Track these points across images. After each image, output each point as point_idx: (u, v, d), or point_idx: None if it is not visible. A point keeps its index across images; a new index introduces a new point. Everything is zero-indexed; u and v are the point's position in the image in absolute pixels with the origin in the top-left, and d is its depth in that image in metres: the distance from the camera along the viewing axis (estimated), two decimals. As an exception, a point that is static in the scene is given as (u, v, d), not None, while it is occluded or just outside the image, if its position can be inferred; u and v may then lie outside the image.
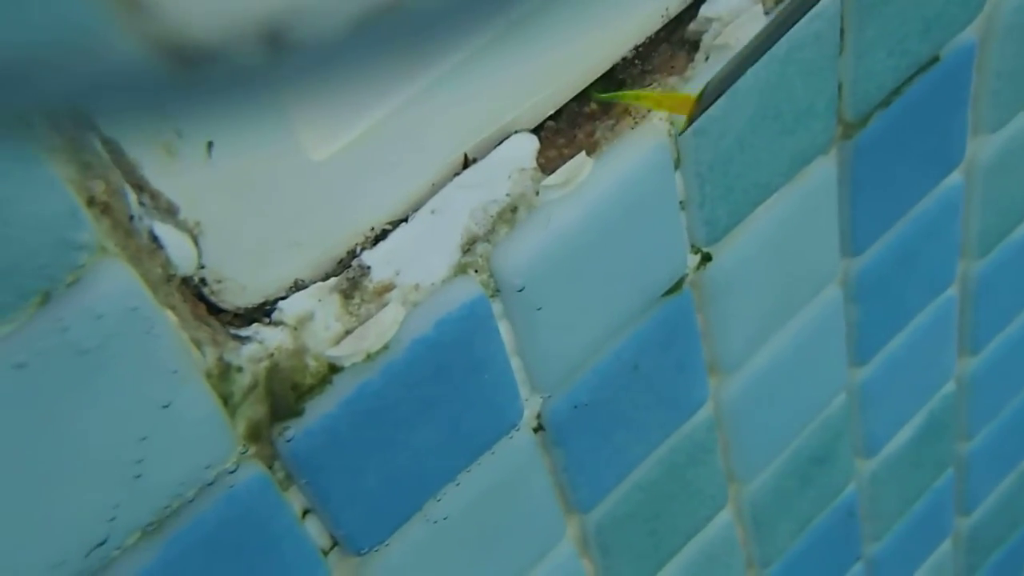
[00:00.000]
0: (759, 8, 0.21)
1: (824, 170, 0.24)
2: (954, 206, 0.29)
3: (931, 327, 0.32)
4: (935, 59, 0.25)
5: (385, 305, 0.18)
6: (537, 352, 0.20)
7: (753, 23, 0.21)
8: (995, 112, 0.28)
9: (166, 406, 0.14)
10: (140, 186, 0.14)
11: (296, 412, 0.17)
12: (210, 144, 0.15)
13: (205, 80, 0.13)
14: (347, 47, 0.15)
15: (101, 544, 0.14)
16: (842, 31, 0.22)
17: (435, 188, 0.18)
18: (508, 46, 0.18)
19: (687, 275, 0.23)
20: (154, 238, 0.14)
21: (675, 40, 0.21)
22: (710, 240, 0.23)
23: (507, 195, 0.19)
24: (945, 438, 0.36)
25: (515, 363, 0.20)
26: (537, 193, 0.19)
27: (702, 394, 0.25)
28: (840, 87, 0.23)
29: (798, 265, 0.26)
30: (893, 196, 0.27)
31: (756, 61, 0.18)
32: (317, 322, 0.17)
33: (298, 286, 0.17)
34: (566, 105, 0.20)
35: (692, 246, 0.23)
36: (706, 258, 0.23)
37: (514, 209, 0.19)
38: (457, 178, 0.18)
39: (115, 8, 0.13)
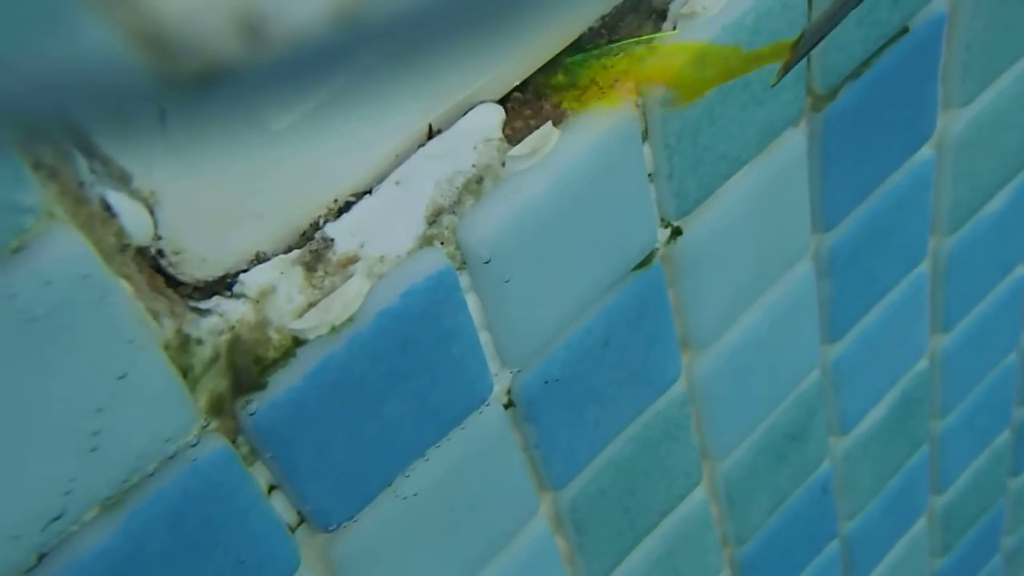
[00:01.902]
0: (726, -23, 0.20)
1: (794, 143, 0.24)
2: (925, 181, 0.29)
3: (903, 304, 0.32)
4: (904, 30, 0.25)
5: (349, 277, 0.18)
6: (506, 326, 0.20)
7: (720, -8, 0.21)
8: (965, 85, 0.28)
9: (122, 377, 0.14)
10: (90, 152, 0.13)
11: (259, 385, 0.16)
12: (163, 112, 0.14)
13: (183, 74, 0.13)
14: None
15: (57, 518, 0.14)
16: (810, 1, 0.22)
17: (399, 159, 0.18)
18: (472, 16, 0.18)
19: (657, 249, 0.23)
20: (107, 206, 0.14)
21: (642, 10, 0.21)
22: (680, 213, 0.23)
23: (473, 166, 0.19)
24: (919, 416, 0.37)
25: (484, 337, 0.20)
26: (503, 164, 0.19)
27: (675, 370, 0.25)
28: (809, 58, 0.23)
29: (769, 239, 0.26)
30: (864, 170, 0.27)
31: (859, 3, 0.17)
32: (280, 295, 0.17)
33: (260, 258, 0.17)
34: (534, 76, 0.20)
35: (662, 219, 0.23)
36: (676, 232, 0.23)
37: (480, 180, 0.19)
38: (422, 149, 0.18)
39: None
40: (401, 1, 0.17)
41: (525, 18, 0.19)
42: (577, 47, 0.20)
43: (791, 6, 0.21)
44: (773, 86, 0.21)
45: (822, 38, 0.18)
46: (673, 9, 0.20)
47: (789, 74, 0.23)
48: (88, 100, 0.14)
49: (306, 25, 0.16)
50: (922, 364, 0.35)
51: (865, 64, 0.24)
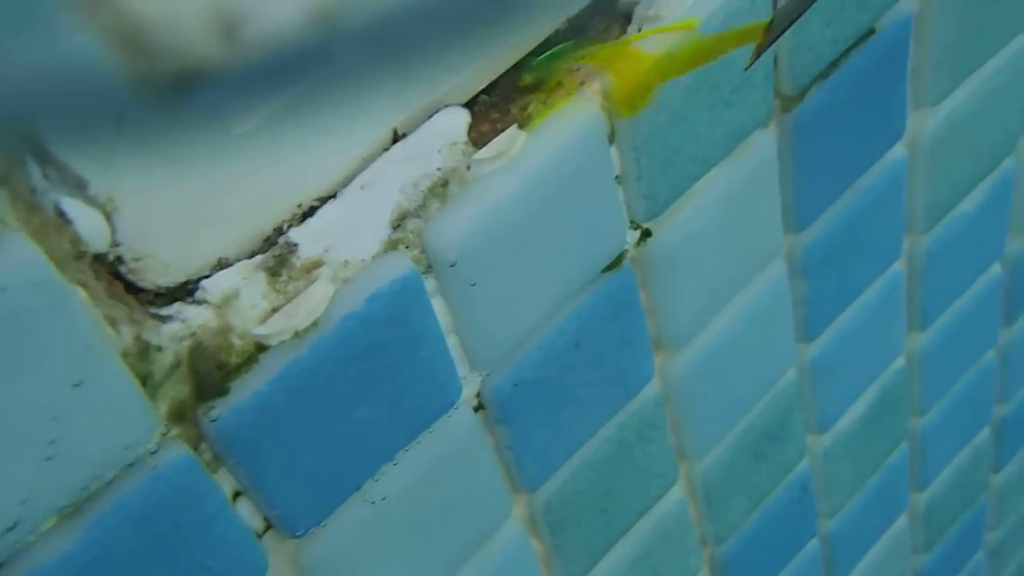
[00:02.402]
0: (691, -21, 0.21)
1: (764, 144, 0.24)
2: (898, 180, 0.29)
3: (879, 303, 0.32)
4: (872, 31, 0.25)
5: (314, 282, 0.18)
6: (474, 329, 0.20)
7: (685, -6, 0.21)
8: (935, 85, 0.28)
9: (78, 385, 0.14)
10: (44, 158, 0.13)
11: (221, 392, 0.16)
12: (119, 117, 0.14)
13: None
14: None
15: (12, 528, 0.14)
16: (775, 1, 0.22)
17: (364, 163, 0.18)
18: (437, 19, 0.18)
19: (627, 251, 0.23)
20: (61, 213, 0.14)
21: (609, 12, 0.21)
22: (649, 215, 0.23)
23: (438, 169, 0.19)
24: (898, 414, 0.37)
25: (452, 340, 0.20)
26: (469, 168, 0.19)
27: (648, 371, 0.25)
28: (776, 59, 0.23)
29: (742, 240, 0.26)
30: (836, 170, 0.27)
31: None
32: (243, 300, 0.17)
33: (223, 264, 0.17)
34: (500, 79, 0.20)
35: (631, 221, 0.23)
36: (646, 233, 0.23)
37: (445, 184, 0.19)
38: (387, 153, 0.18)
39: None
40: (371, 4, 0.17)
41: (491, 21, 0.19)
42: (543, 50, 0.20)
43: (757, 7, 0.21)
44: (746, 69, 0.21)
45: (795, 20, 0.18)
46: (639, 12, 0.20)
47: (757, 75, 0.23)
48: (63, 105, 0.14)
49: (282, 26, 0.16)
50: (900, 362, 0.35)
51: (833, 65, 0.24)
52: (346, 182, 0.18)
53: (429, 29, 0.18)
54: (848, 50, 0.25)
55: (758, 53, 0.18)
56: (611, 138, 0.21)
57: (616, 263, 0.23)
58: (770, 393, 0.30)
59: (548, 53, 0.19)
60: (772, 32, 0.18)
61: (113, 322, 0.14)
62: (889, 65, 0.26)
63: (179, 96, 0.15)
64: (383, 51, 0.18)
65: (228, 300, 0.17)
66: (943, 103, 0.29)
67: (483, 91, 0.20)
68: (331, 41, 0.17)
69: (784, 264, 0.28)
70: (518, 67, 0.20)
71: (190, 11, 0.14)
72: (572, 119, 0.20)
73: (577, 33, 0.20)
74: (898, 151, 0.29)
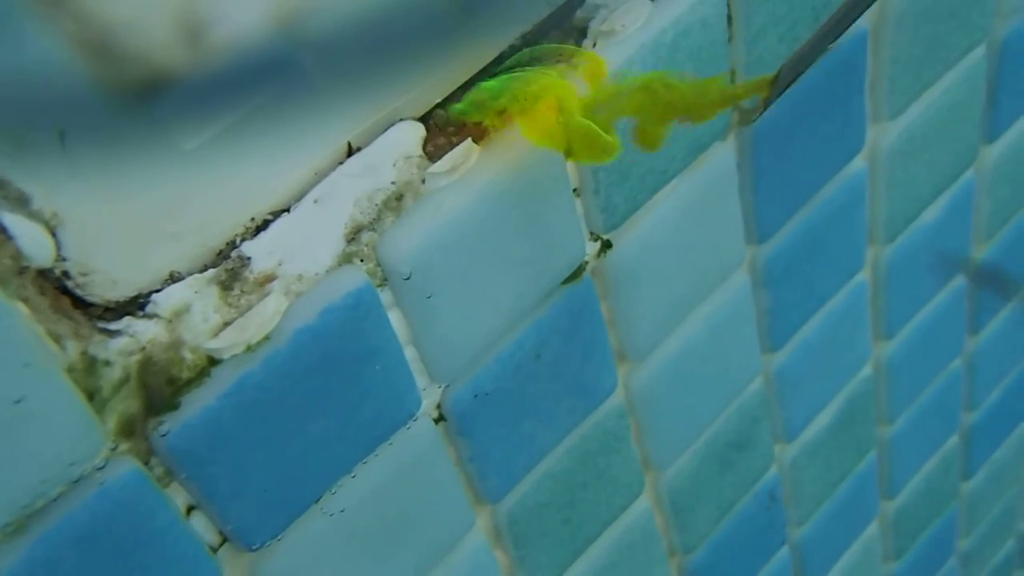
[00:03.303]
0: (645, -6, 0.21)
1: (723, 156, 0.25)
2: (859, 192, 0.30)
3: (844, 313, 0.32)
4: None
5: (266, 296, 0.18)
6: (432, 341, 0.20)
7: (640, 9, 0.21)
8: (893, 99, 0.28)
9: (19, 401, 0.14)
10: (-14, 175, 0.13)
11: (172, 406, 0.16)
12: (63, 133, 0.14)
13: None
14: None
15: (-46, 544, 0.14)
16: (729, 17, 0.22)
17: (318, 177, 0.18)
18: (391, 33, 0.18)
19: (587, 262, 0.23)
20: (2, 228, 0.14)
21: (564, 27, 0.21)
22: (608, 227, 0.23)
23: (392, 183, 0.19)
24: (865, 422, 0.37)
25: (410, 352, 0.20)
26: (424, 181, 0.19)
27: (611, 382, 0.25)
28: (733, 74, 0.23)
29: (703, 251, 0.26)
30: (796, 182, 0.28)
31: (838, 37, 0.18)
32: (194, 314, 0.17)
33: (174, 278, 0.17)
34: (455, 93, 0.20)
35: (591, 233, 0.23)
36: (606, 245, 0.23)
37: (400, 197, 0.19)
38: (341, 166, 0.18)
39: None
40: (329, 18, 0.17)
41: (447, 36, 0.19)
42: (498, 64, 0.20)
43: (709, 24, 0.21)
44: (753, 121, 0.21)
45: (802, 72, 0.19)
46: (593, 27, 0.21)
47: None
48: (4, 117, 0.14)
49: (247, 32, 0.16)
50: (866, 371, 0.35)
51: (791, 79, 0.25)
52: (300, 196, 0.18)
53: (385, 43, 0.18)
54: (806, 64, 0.25)
55: (765, 106, 0.18)
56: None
57: (576, 275, 0.23)
58: (736, 403, 0.30)
59: (501, 73, 0.19)
60: (780, 83, 0.18)
61: (57, 338, 0.14)
62: (846, 79, 0.26)
63: (142, 102, 0.15)
64: (339, 64, 0.18)
65: (179, 314, 0.17)
66: (901, 116, 0.29)
67: (438, 104, 0.20)
68: (289, 53, 0.17)
69: (747, 275, 0.28)
70: (473, 81, 0.20)
71: (154, 17, 0.14)
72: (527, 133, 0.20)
73: (531, 48, 0.21)
74: (858, 163, 0.29)
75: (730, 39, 0.22)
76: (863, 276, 0.32)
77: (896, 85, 0.28)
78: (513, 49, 0.20)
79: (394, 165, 0.19)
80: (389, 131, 0.19)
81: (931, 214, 0.33)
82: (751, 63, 0.23)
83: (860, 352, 0.35)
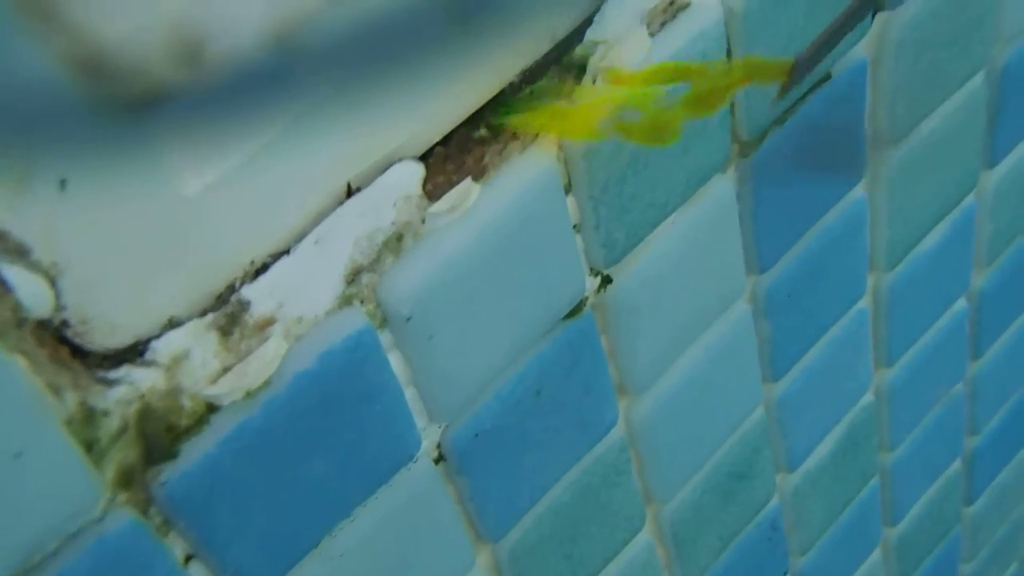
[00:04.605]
0: (644, 30, 0.21)
1: (723, 188, 0.25)
2: (859, 220, 0.30)
3: (845, 340, 0.32)
4: (827, 76, 0.25)
5: (266, 340, 0.17)
6: (432, 381, 0.20)
7: (640, 44, 0.21)
8: (893, 127, 0.28)
9: (17, 456, 0.13)
10: (-18, 227, 0.13)
11: (171, 455, 0.16)
12: (63, 182, 0.14)
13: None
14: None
15: (-52, 603, 0.13)
16: (729, 51, 0.22)
17: (318, 218, 0.18)
18: (391, 72, 0.18)
19: (587, 298, 0.23)
20: (1, 282, 0.13)
21: (563, 63, 0.21)
22: (609, 262, 0.23)
23: (392, 223, 0.19)
24: (867, 449, 0.37)
25: (410, 393, 0.20)
26: (423, 220, 0.19)
27: (612, 416, 0.25)
28: (732, 105, 0.23)
29: (704, 283, 0.26)
30: (796, 212, 0.27)
31: (854, 27, 0.18)
32: (193, 360, 0.17)
33: (173, 323, 0.17)
34: (457, 130, 0.20)
35: (591, 268, 0.23)
36: (606, 280, 0.23)
37: (400, 237, 0.19)
38: (340, 207, 0.18)
39: (22, 17, 0.13)
40: (327, 57, 0.17)
41: (446, 73, 0.19)
42: (498, 101, 0.20)
43: (709, 57, 0.21)
44: (773, 103, 0.21)
45: (820, 60, 0.19)
46: (592, 63, 0.21)
47: (714, 120, 0.23)
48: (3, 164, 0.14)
49: (244, 50, 0.16)
50: (867, 398, 0.35)
51: (789, 110, 0.25)
52: (300, 237, 0.18)
53: (385, 79, 0.18)
54: (804, 95, 0.25)
55: (784, 90, 0.18)
56: (567, 188, 0.21)
57: (576, 311, 0.23)
58: (737, 433, 0.30)
59: (501, 110, 0.19)
60: (798, 71, 0.18)
61: (56, 389, 0.14)
62: (846, 109, 0.26)
63: (139, 127, 0.15)
64: (338, 102, 0.18)
65: (178, 361, 0.16)
66: (901, 144, 0.29)
67: (440, 143, 0.20)
68: (287, 92, 0.17)
69: (747, 305, 0.28)
70: (473, 118, 0.20)
71: (149, 34, 0.14)
72: (527, 170, 0.20)
73: (531, 84, 0.20)
74: (858, 191, 0.29)
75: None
76: (864, 303, 0.32)
77: (897, 113, 0.28)
78: (513, 87, 0.20)
79: (394, 205, 0.19)
80: (389, 171, 0.19)
81: (932, 240, 0.33)
82: (752, 93, 0.23)
83: (861, 379, 0.35)
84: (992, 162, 0.33)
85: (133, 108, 0.15)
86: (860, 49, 0.25)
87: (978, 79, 0.30)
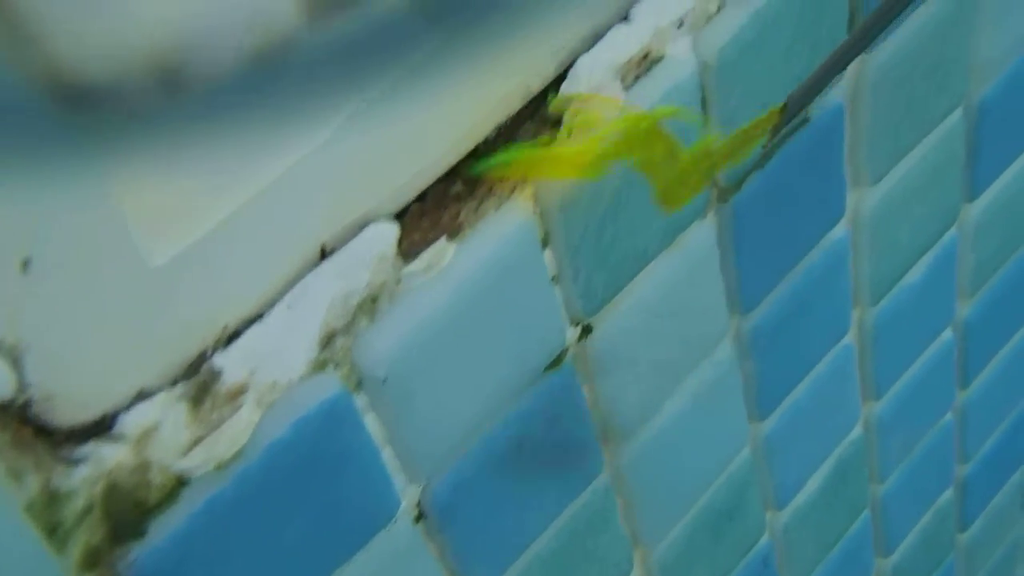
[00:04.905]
0: (618, 84, 0.21)
1: (703, 234, 0.24)
2: (841, 258, 0.30)
3: (831, 376, 0.32)
4: (805, 120, 0.25)
5: (238, 408, 0.17)
6: (410, 441, 0.20)
7: (613, 98, 0.21)
8: (873, 165, 0.28)
9: (-24, 546, 0.13)
10: (-61, 315, 0.13)
11: (139, 533, 0.16)
12: (26, 262, 0.14)
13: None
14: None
15: None
16: (704, 101, 0.22)
17: (292, 282, 0.18)
18: (363, 130, 0.18)
19: (568, 348, 0.23)
20: (-41, 368, 0.13)
21: (538, 118, 0.21)
22: (589, 311, 0.23)
23: (367, 285, 0.18)
24: (857, 482, 0.37)
25: (387, 453, 0.20)
26: (399, 281, 0.19)
27: (596, 467, 0.25)
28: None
29: (686, 327, 0.26)
30: (778, 252, 0.27)
31: (844, 68, 0.18)
32: (163, 433, 0.16)
33: (142, 395, 0.16)
34: (432, 187, 0.20)
35: (571, 318, 0.22)
36: (587, 329, 0.23)
37: (375, 299, 0.19)
38: (314, 270, 0.18)
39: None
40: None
41: (420, 129, 0.19)
42: (474, 157, 0.20)
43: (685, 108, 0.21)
44: (764, 147, 0.20)
45: (810, 101, 0.19)
46: (567, 117, 0.20)
47: (692, 168, 0.23)
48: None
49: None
50: (856, 432, 0.35)
51: (768, 155, 0.25)
52: (273, 302, 0.18)
53: (360, 137, 0.18)
54: (783, 139, 0.25)
55: (774, 133, 0.18)
56: (544, 241, 0.21)
57: (557, 362, 0.22)
58: (724, 473, 0.30)
59: (476, 166, 0.19)
60: (788, 113, 0.18)
61: (17, 474, 0.14)
62: (824, 151, 0.26)
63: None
64: (315, 160, 0.18)
65: (148, 434, 0.16)
66: (881, 182, 0.29)
67: (415, 199, 0.19)
68: (258, 150, 0.17)
69: (732, 345, 0.28)
70: (448, 175, 0.20)
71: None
72: (503, 225, 0.20)
73: (507, 140, 0.20)
74: (840, 229, 0.29)
75: (705, 123, 0.22)
76: (849, 339, 0.32)
77: (875, 152, 0.28)
78: (488, 143, 0.20)
79: (369, 267, 0.18)
80: (363, 232, 0.18)
81: (915, 274, 0.33)
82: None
83: (849, 414, 0.34)
84: (972, 195, 0.33)
85: (98, 175, 0.14)
86: (836, 92, 0.25)
87: (956, 115, 0.30)
